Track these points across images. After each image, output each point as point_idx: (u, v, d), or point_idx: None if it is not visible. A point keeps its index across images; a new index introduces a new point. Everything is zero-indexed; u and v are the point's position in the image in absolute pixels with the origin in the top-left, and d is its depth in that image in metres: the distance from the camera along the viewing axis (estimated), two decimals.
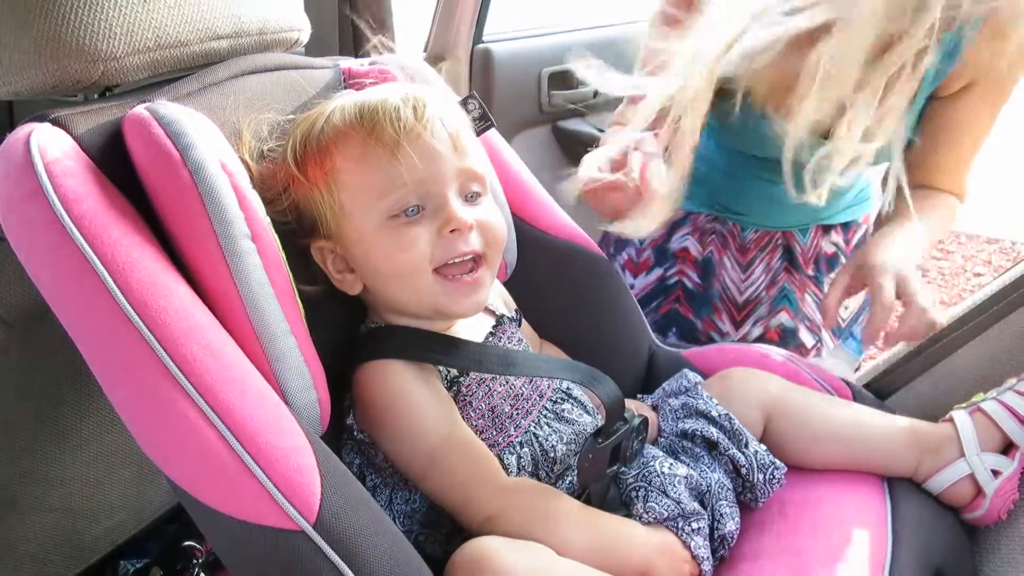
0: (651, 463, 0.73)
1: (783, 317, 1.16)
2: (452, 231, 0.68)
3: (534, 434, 0.74)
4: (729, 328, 1.17)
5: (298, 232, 0.72)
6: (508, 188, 0.90)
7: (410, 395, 0.69)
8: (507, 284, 0.91)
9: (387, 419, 0.69)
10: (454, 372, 0.72)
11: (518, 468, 0.72)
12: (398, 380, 0.69)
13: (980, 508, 0.76)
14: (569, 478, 0.73)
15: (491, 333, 0.78)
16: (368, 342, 0.74)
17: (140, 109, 0.63)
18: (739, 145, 1.06)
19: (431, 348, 0.72)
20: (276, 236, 0.65)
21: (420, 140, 0.68)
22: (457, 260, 0.69)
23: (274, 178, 0.71)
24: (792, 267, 1.17)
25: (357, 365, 0.71)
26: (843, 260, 1.18)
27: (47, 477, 0.90)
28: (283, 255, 0.65)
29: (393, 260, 0.69)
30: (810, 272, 1.17)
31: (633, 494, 0.71)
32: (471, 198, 0.72)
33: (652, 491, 0.71)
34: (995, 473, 0.75)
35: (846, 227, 1.18)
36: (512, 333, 0.81)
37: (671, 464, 0.73)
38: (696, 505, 0.71)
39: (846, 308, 1.09)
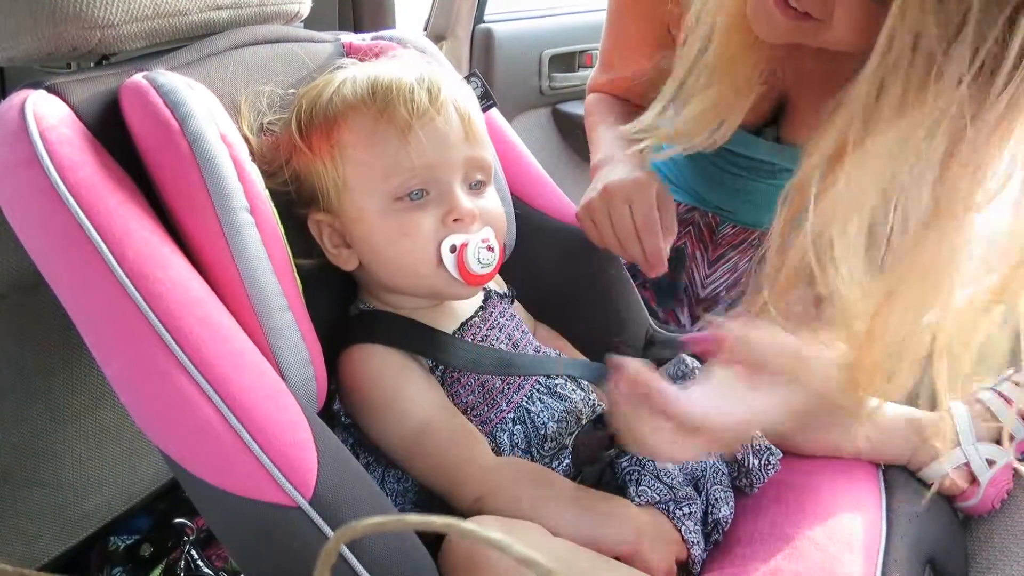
0: None
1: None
2: (455, 220, 0.68)
3: (527, 409, 0.74)
4: (687, 322, 1.13)
5: (296, 202, 0.71)
6: (509, 169, 0.89)
7: (391, 379, 0.68)
8: (505, 265, 0.90)
9: (369, 404, 0.68)
10: None
11: (511, 446, 0.72)
12: (378, 364, 0.69)
13: (974, 497, 0.76)
14: (566, 460, 0.73)
15: (481, 307, 0.78)
16: (356, 326, 0.73)
17: (138, 77, 0.62)
18: None
19: (425, 343, 0.71)
20: (275, 210, 0.64)
21: (432, 124, 0.67)
22: None
23: (276, 149, 0.70)
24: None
25: (342, 350, 0.70)
26: None
27: (37, 451, 0.89)
28: (281, 230, 0.64)
29: (396, 245, 0.68)
30: None
31: (627, 478, 0.71)
32: (475, 186, 0.72)
33: (645, 475, 0.70)
34: (990, 463, 0.75)
35: None
36: (504, 309, 0.80)
37: None
38: (689, 490, 0.71)
39: None
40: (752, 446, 0.76)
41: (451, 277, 0.69)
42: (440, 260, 0.68)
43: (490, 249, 0.69)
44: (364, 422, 0.69)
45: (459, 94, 0.71)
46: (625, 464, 0.72)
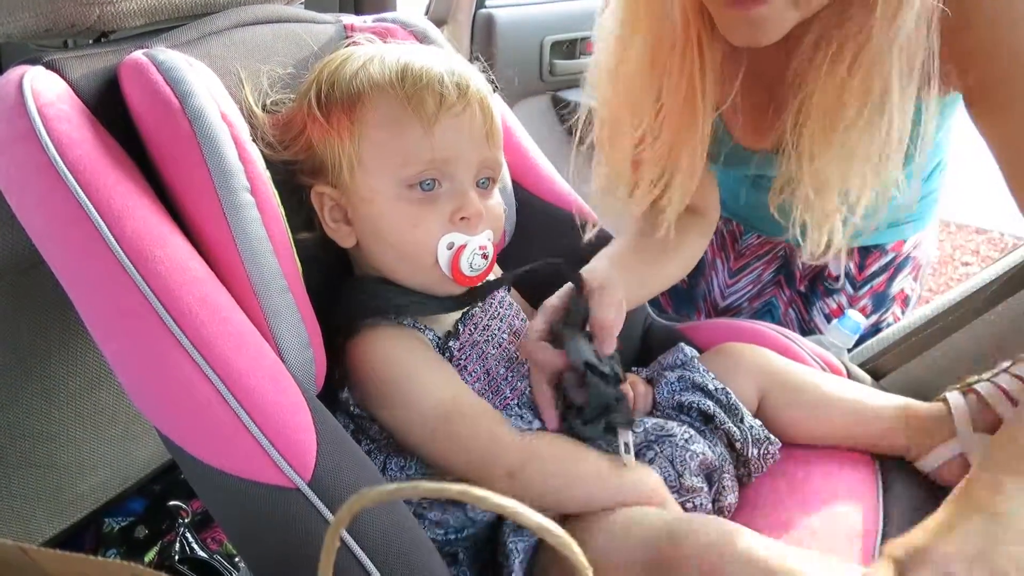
0: (672, 430, 0.73)
1: None
2: (462, 219, 0.68)
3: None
4: None
5: (302, 171, 0.70)
6: (510, 155, 0.89)
7: (406, 360, 0.68)
8: (505, 252, 0.90)
9: (386, 391, 0.67)
10: (441, 337, 0.72)
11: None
12: (390, 349, 0.68)
13: None
14: None
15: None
16: (353, 298, 0.72)
17: (138, 54, 0.61)
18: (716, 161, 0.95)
19: (432, 309, 0.71)
20: (275, 191, 0.63)
21: (457, 120, 0.67)
22: None
23: (289, 122, 0.70)
24: (785, 281, 1.11)
25: (347, 338, 0.70)
26: (847, 287, 1.07)
27: (32, 432, 0.89)
28: (282, 211, 0.63)
29: (403, 234, 0.68)
30: (802, 289, 1.10)
31: (645, 450, 0.71)
32: (483, 184, 0.72)
33: (661, 458, 0.70)
34: None
35: (865, 251, 1.05)
36: (503, 299, 0.80)
37: (689, 438, 0.72)
38: (697, 481, 0.70)
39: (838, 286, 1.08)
40: (752, 436, 0.76)
41: (443, 273, 0.69)
42: (437, 256, 0.69)
43: (484, 257, 0.70)
44: (378, 410, 0.68)
45: (487, 93, 0.70)
46: (652, 438, 0.72)
